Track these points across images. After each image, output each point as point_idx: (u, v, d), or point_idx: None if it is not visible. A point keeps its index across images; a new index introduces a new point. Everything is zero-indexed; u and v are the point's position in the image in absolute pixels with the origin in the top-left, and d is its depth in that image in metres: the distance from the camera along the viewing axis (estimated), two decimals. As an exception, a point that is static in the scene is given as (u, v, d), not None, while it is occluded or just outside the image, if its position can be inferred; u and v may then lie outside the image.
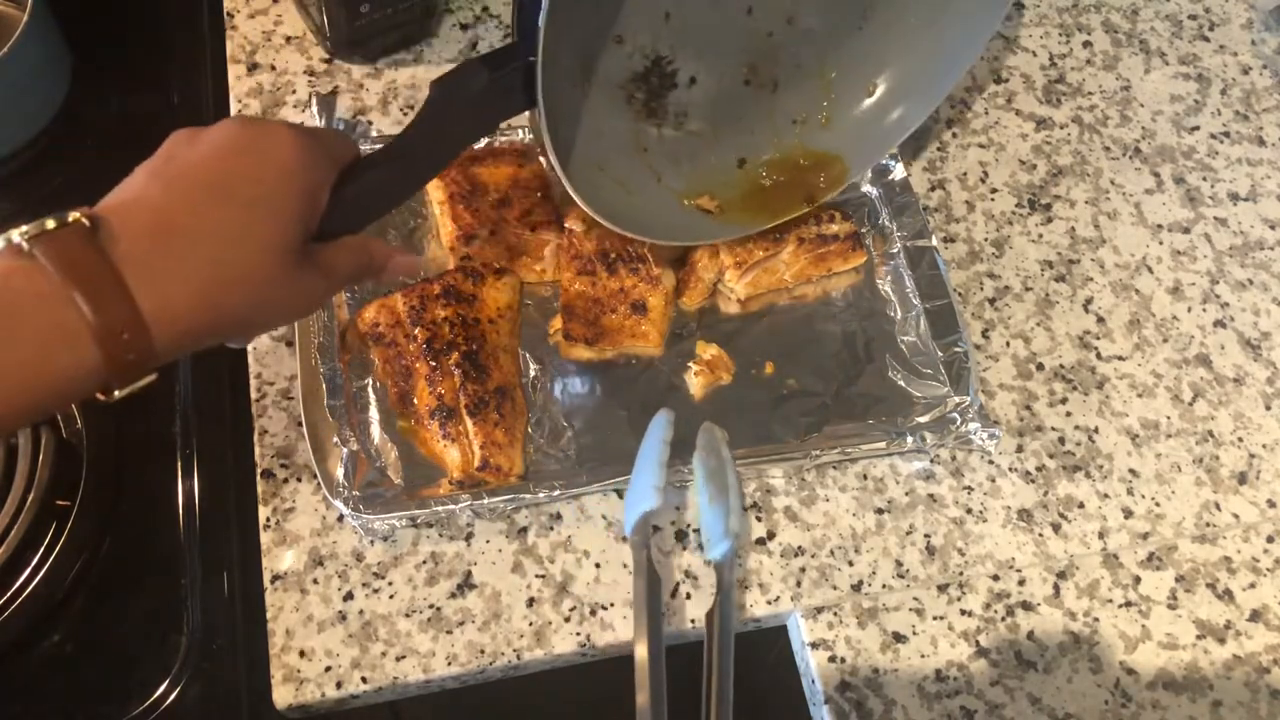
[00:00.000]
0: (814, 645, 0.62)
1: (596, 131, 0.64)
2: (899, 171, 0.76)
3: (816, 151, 0.72)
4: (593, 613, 0.61)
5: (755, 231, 0.70)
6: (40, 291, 0.39)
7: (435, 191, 0.71)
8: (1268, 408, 0.73)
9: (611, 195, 0.64)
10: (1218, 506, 0.69)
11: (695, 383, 0.68)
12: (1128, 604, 0.65)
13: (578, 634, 0.60)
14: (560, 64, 0.53)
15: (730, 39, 0.67)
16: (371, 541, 0.62)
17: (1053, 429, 0.70)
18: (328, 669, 0.58)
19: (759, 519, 0.65)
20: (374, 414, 0.64)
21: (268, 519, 0.62)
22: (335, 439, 0.62)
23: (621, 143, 0.66)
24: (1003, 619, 0.64)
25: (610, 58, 0.63)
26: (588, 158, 0.63)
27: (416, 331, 0.64)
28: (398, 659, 0.59)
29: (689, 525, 0.64)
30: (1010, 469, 0.68)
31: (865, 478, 0.67)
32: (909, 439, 0.66)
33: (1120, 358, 0.74)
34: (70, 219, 0.40)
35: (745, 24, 0.67)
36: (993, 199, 0.79)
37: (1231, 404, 0.73)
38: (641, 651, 0.54)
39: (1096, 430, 0.70)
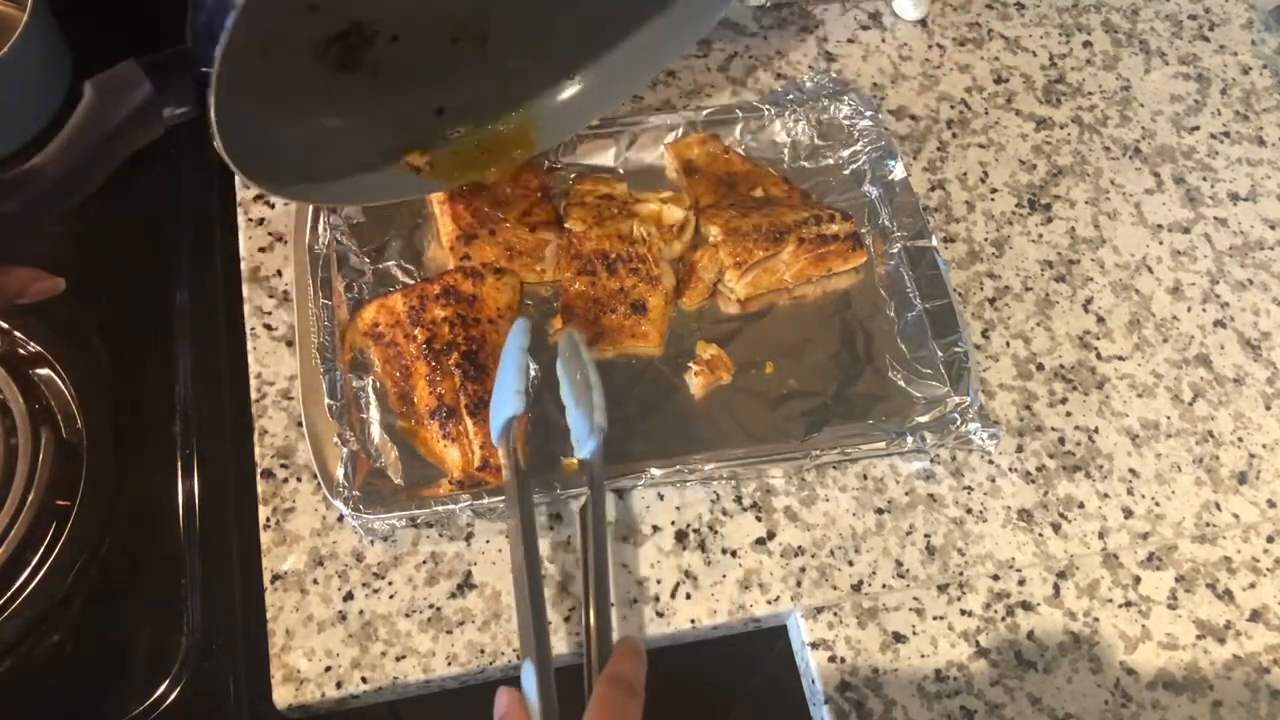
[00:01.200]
0: (814, 645, 0.62)
1: (281, 96, 0.60)
2: (899, 171, 0.76)
3: (516, 117, 0.70)
4: (593, 613, 0.61)
5: (461, 183, 0.69)
6: None
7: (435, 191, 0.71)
8: (1268, 408, 0.73)
9: (299, 161, 0.60)
10: (1218, 506, 0.69)
11: (695, 383, 0.68)
12: (1128, 604, 0.65)
13: (577, 634, 0.60)
14: (240, 50, 0.47)
15: (436, 4, 0.63)
16: (371, 541, 0.62)
17: (1053, 429, 0.70)
18: (328, 669, 0.58)
19: (759, 519, 0.65)
20: (374, 414, 0.64)
21: (268, 519, 0.62)
22: (335, 439, 0.62)
23: (312, 103, 0.62)
24: (1003, 619, 0.64)
25: (303, 24, 0.59)
26: (269, 125, 0.59)
27: (416, 331, 0.64)
28: (398, 659, 0.59)
29: (689, 525, 0.64)
30: (1010, 469, 0.68)
31: (865, 478, 0.67)
32: (909, 439, 0.66)
33: (1120, 358, 0.74)
34: None
35: None
36: (993, 199, 0.79)
37: (1231, 404, 0.73)
38: (518, 554, 0.55)
39: (1096, 430, 0.70)
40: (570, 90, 0.71)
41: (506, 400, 0.58)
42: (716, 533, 0.64)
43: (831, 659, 0.61)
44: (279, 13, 0.56)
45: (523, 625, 0.54)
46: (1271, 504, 0.69)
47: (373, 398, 0.65)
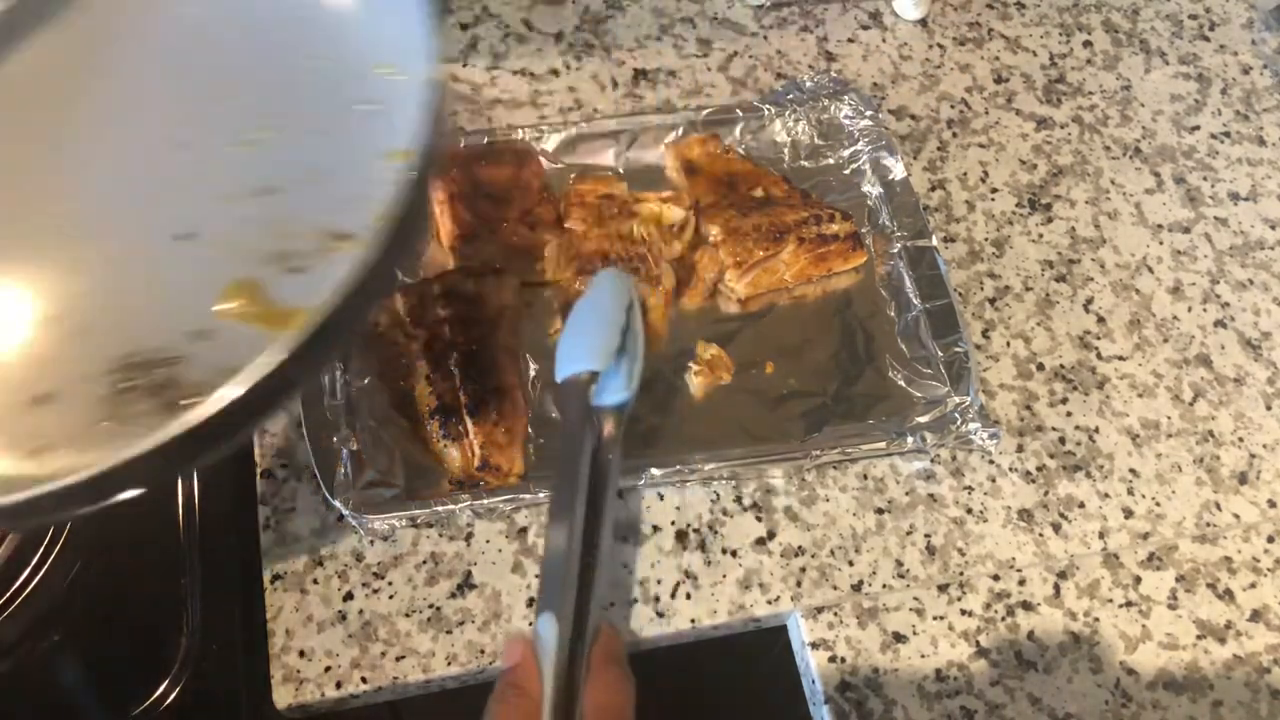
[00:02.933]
0: (814, 645, 0.62)
1: None
2: (899, 171, 0.76)
3: None
4: (593, 613, 0.61)
5: None
6: None
7: (435, 191, 0.71)
8: (1268, 408, 0.73)
9: None
10: (1218, 506, 0.69)
11: (695, 383, 0.68)
12: (1128, 604, 0.65)
13: (578, 634, 0.60)
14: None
15: None
16: (371, 541, 0.62)
17: (1053, 429, 0.70)
18: (327, 669, 0.58)
19: (759, 519, 0.65)
20: (374, 414, 0.64)
21: (268, 519, 0.62)
22: (335, 439, 0.62)
23: None
24: (1003, 619, 0.64)
25: None
26: None
27: (416, 331, 0.64)
28: (397, 659, 0.59)
29: (689, 525, 0.64)
30: (1010, 469, 0.68)
31: (865, 478, 0.67)
32: (909, 439, 0.66)
33: (1120, 358, 0.74)
34: None
35: None
36: (993, 199, 0.79)
37: (1232, 404, 0.73)
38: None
39: (1097, 430, 0.70)
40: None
41: (590, 355, 0.57)
42: (716, 533, 0.64)
43: (831, 659, 0.61)
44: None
45: (549, 575, 0.53)
46: (1272, 504, 0.69)
47: (373, 398, 0.65)
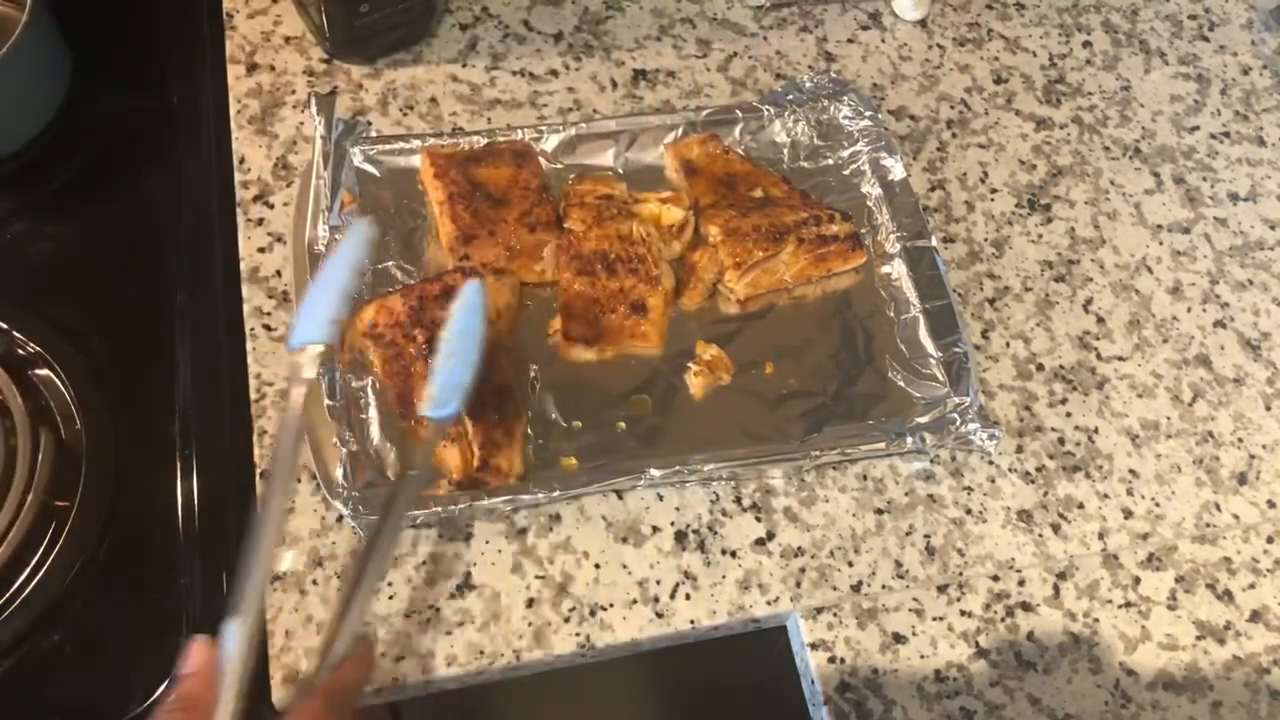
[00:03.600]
0: (814, 646, 0.62)
1: None
2: (899, 171, 0.76)
3: None
4: (592, 613, 0.61)
5: None
6: None
7: (435, 192, 0.71)
8: (1268, 408, 0.73)
9: None
10: (1218, 507, 0.69)
11: (695, 383, 0.68)
12: (1128, 604, 0.65)
13: (577, 635, 0.60)
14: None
15: None
16: (371, 542, 0.62)
17: (1052, 429, 0.70)
18: (327, 669, 0.58)
19: (759, 519, 0.65)
20: (373, 414, 0.64)
21: (267, 519, 0.62)
22: (335, 439, 0.62)
23: None
24: (1002, 619, 0.64)
25: None
26: None
27: (416, 332, 0.64)
28: (397, 659, 0.59)
29: (689, 526, 0.64)
30: (1010, 469, 0.68)
31: (865, 478, 0.67)
32: (909, 439, 0.66)
33: (1120, 358, 0.74)
34: None
35: None
36: (993, 199, 0.79)
37: (1231, 404, 0.73)
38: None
39: (1096, 431, 0.70)
40: None
41: (316, 327, 0.54)
42: (716, 533, 0.64)
43: (831, 659, 0.61)
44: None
45: (245, 580, 0.49)
46: (1271, 504, 0.69)
47: (372, 398, 0.65)
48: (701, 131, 0.77)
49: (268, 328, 0.68)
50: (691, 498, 0.65)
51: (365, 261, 0.58)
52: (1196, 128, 0.85)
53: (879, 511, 0.66)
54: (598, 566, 0.62)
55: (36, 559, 0.60)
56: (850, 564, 0.64)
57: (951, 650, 0.62)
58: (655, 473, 0.63)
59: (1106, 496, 0.68)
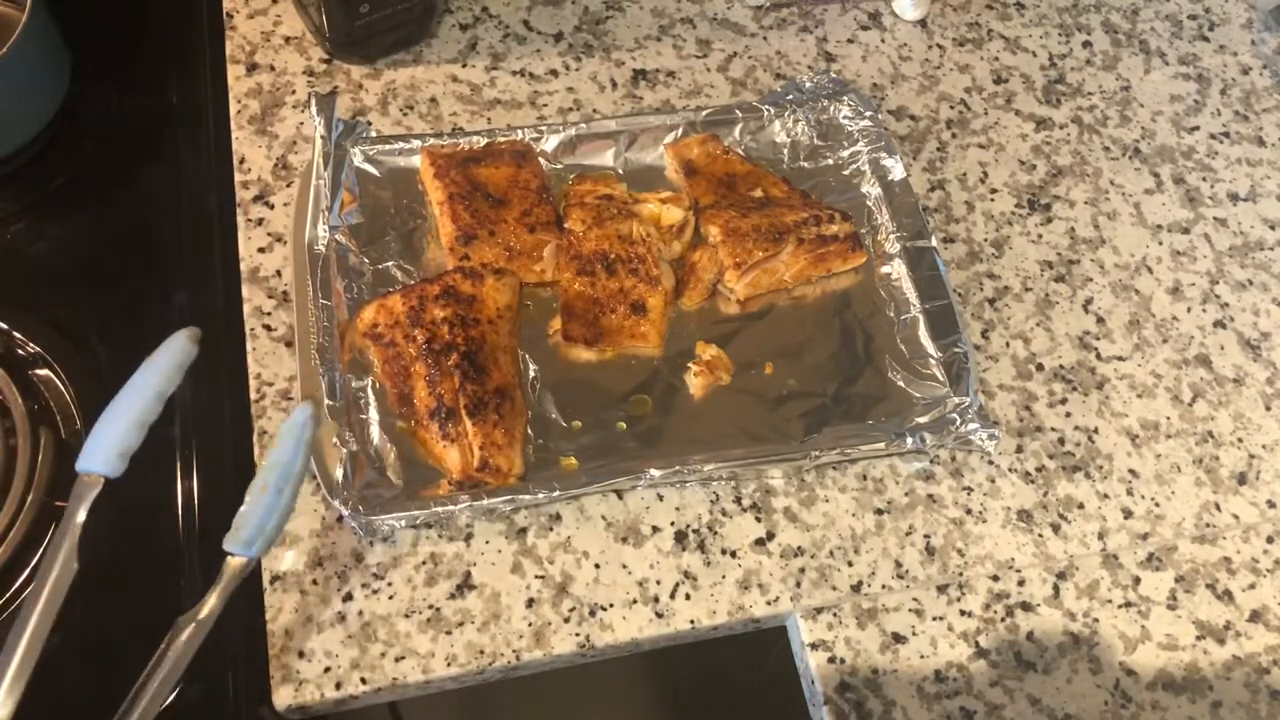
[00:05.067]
0: (813, 646, 0.62)
1: None
2: (899, 171, 0.76)
3: None
4: (592, 613, 0.61)
5: None
6: None
7: (435, 192, 0.71)
8: (1267, 408, 0.73)
9: None
10: (1217, 507, 0.69)
11: (695, 383, 0.68)
12: (1127, 604, 0.65)
13: (577, 634, 0.60)
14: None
15: None
16: (371, 542, 0.62)
17: (1052, 429, 0.70)
18: (327, 670, 0.58)
19: (759, 520, 0.65)
20: (373, 415, 0.64)
21: (267, 519, 0.62)
22: (335, 440, 0.62)
23: None
24: (1002, 619, 0.64)
25: None
26: None
27: (415, 332, 0.64)
28: (397, 660, 0.59)
29: (688, 526, 0.64)
30: (1010, 469, 0.68)
31: (865, 478, 0.67)
32: (909, 439, 0.66)
33: (1120, 358, 0.74)
34: None
35: None
36: (992, 199, 0.79)
37: (1231, 404, 0.73)
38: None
39: (1096, 431, 0.70)
40: None
41: (103, 457, 0.54)
42: (716, 533, 0.64)
43: (831, 660, 0.61)
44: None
45: None
46: (1271, 504, 0.69)
47: (372, 398, 0.65)
48: (701, 131, 0.77)
49: (268, 328, 0.68)
50: (691, 498, 0.65)
51: (174, 386, 0.56)
52: (1196, 128, 0.85)
53: (879, 511, 0.66)
54: (598, 566, 0.62)
55: (36, 559, 0.60)
56: (850, 564, 0.64)
57: (951, 650, 0.62)
58: (655, 473, 0.63)
59: (1106, 496, 0.68)
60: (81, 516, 0.54)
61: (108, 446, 0.55)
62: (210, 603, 0.55)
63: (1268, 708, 0.63)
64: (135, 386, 0.57)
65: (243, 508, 0.56)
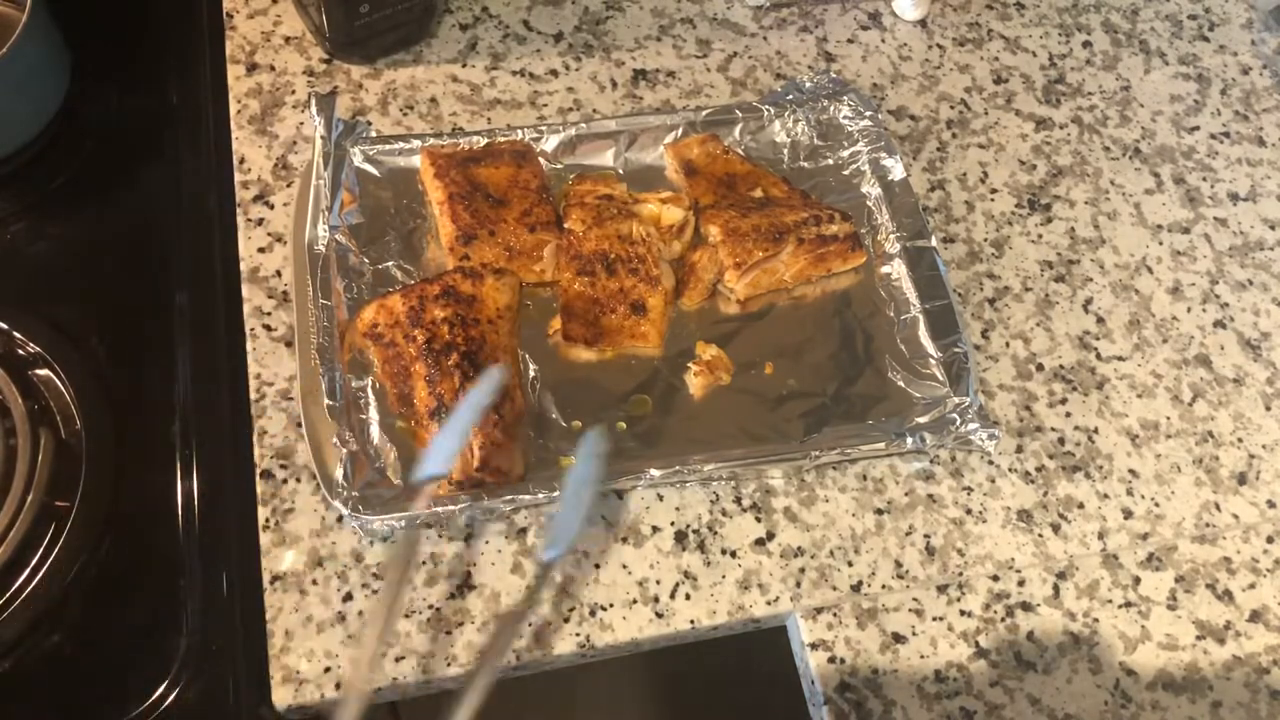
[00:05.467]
0: (813, 646, 0.62)
1: None
2: (899, 172, 0.76)
3: None
4: (592, 613, 0.61)
5: None
6: None
7: (435, 192, 0.71)
8: (1268, 408, 0.73)
9: None
10: (1217, 507, 0.69)
11: (695, 383, 0.68)
12: (1127, 604, 0.65)
13: (577, 635, 0.60)
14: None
15: None
16: (371, 542, 0.62)
17: (1052, 429, 0.70)
18: (327, 670, 0.58)
19: (758, 519, 0.65)
20: (373, 414, 0.64)
21: (267, 519, 0.62)
22: (335, 439, 0.62)
23: None
24: (1002, 619, 0.64)
25: None
26: None
27: (415, 332, 0.64)
28: (397, 659, 0.59)
29: (688, 526, 0.64)
30: (1010, 469, 0.68)
31: (865, 478, 0.67)
32: (909, 439, 0.66)
33: (1120, 358, 0.74)
34: None
35: None
36: (992, 199, 0.79)
37: (1231, 404, 0.73)
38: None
39: (1096, 431, 0.70)
40: None
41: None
42: (716, 533, 0.64)
43: (831, 660, 0.61)
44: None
45: None
46: (1271, 504, 0.69)
47: (372, 398, 0.65)
48: (701, 131, 0.77)
49: (268, 328, 0.68)
50: (691, 498, 0.65)
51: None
52: (1196, 128, 0.85)
53: (879, 511, 0.66)
54: (598, 567, 0.62)
55: (36, 559, 0.60)
56: (850, 564, 0.64)
57: (951, 650, 0.62)
58: (655, 473, 0.63)
59: (1106, 496, 0.68)
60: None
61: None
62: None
63: (1268, 708, 0.63)
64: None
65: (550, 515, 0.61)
